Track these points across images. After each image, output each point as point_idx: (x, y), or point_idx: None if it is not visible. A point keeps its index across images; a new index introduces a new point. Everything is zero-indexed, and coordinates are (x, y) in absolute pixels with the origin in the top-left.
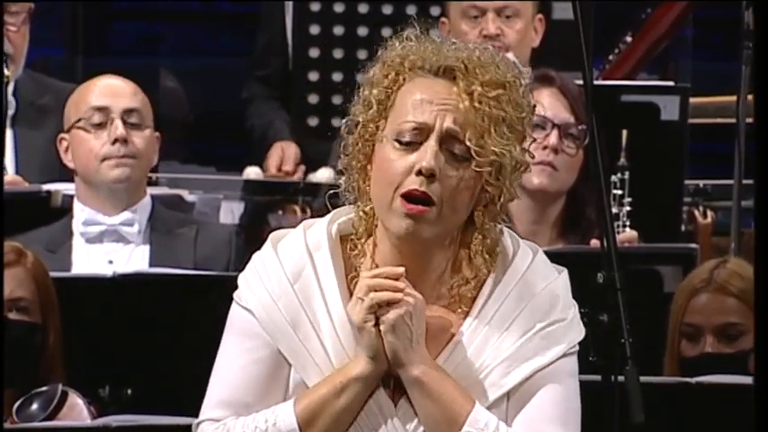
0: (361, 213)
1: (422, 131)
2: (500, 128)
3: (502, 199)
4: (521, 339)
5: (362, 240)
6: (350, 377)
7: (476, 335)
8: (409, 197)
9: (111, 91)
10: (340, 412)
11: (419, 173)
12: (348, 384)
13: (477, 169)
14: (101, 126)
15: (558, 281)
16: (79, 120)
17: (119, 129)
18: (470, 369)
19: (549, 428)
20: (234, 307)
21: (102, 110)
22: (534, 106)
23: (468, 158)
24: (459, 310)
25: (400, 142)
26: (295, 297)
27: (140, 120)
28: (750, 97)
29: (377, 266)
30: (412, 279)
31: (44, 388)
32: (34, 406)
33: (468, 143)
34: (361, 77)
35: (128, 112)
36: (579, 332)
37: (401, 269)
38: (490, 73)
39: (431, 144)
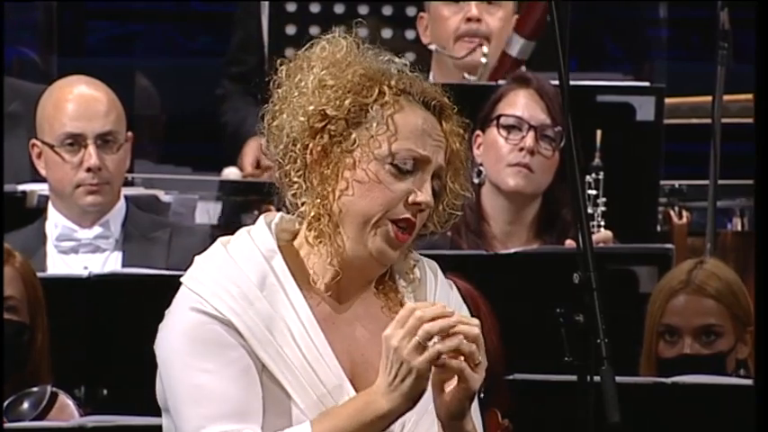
0: (312, 221)
1: (418, 162)
2: (466, 170)
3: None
4: None
5: (317, 245)
6: (379, 414)
7: None
8: (403, 225)
9: (86, 113)
10: None
11: (416, 205)
12: (375, 421)
13: (441, 207)
14: (74, 148)
15: (455, 294)
16: (52, 145)
17: (92, 158)
18: None
19: None
20: (198, 317)
21: (76, 136)
22: None
23: (440, 195)
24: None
25: (399, 169)
26: (266, 303)
27: (114, 138)
28: (726, 98)
29: (337, 272)
30: (356, 290)
31: (34, 389)
32: (24, 406)
33: (450, 183)
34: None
35: (102, 135)
36: None
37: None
38: (457, 116)
39: (426, 178)
